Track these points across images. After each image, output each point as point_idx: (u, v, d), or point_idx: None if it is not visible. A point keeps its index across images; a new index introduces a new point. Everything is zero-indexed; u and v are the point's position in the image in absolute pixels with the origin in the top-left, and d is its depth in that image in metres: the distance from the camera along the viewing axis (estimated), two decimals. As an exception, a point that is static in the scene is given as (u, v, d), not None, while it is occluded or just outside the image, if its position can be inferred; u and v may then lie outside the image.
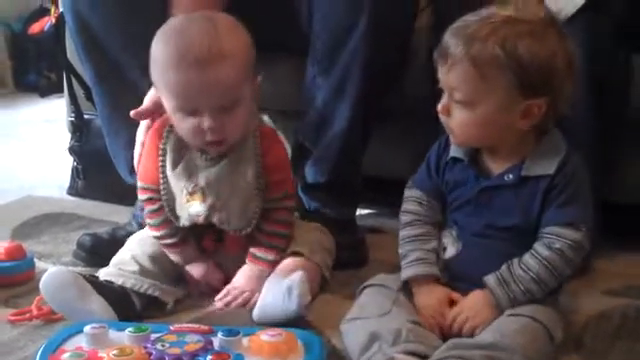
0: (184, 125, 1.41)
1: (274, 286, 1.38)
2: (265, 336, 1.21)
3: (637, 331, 1.37)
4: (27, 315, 1.41)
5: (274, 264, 1.47)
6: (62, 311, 1.38)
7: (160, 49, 1.40)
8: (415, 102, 1.78)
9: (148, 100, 1.55)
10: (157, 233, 1.50)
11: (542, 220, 1.27)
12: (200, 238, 1.52)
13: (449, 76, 1.25)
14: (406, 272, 1.33)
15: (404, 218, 1.38)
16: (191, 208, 1.46)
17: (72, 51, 1.96)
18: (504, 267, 1.25)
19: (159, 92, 1.45)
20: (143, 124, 1.58)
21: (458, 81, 1.24)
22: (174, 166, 1.46)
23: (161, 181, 1.47)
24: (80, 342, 1.23)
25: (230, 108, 1.39)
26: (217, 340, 1.21)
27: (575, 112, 1.44)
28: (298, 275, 1.36)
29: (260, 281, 1.44)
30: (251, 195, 1.45)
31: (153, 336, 1.21)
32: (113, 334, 1.24)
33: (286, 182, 1.50)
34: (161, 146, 1.47)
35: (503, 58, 1.20)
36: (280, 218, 1.49)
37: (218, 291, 1.48)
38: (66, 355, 1.15)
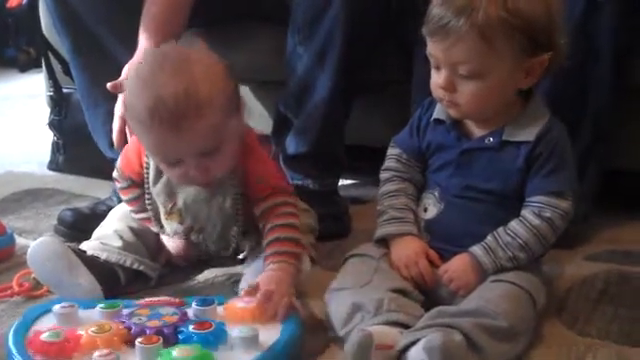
0: (170, 173, 1.34)
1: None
2: (240, 303, 1.21)
3: (619, 296, 1.37)
4: (8, 292, 1.40)
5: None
6: (48, 281, 1.36)
7: (131, 101, 1.29)
8: (397, 69, 1.77)
9: (126, 72, 1.53)
10: (132, 208, 1.47)
11: (528, 188, 1.26)
12: None
13: (452, 52, 1.21)
14: (380, 231, 1.33)
15: (383, 175, 1.38)
16: (169, 226, 1.43)
17: (48, 24, 1.93)
18: (489, 237, 1.25)
19: (138, 139, 1.37)
20: (122, 97, 1.56)
21: (465, 55, 1.20)
22: (155, 182, 1.41)
23: (146, 193, 1.43)
24: (50, 322, 1.20)
25: (214, 151, 1.29)
26: (192, 310, 1.21)
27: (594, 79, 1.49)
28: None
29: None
30: (229, 220, 1.39)
31: (125, 311, 1.20)
32: (82, 312, 1.23)
33: (270, 180, 1.38)
34: (145, 159, 1.41)
35: (510, 19, 1.18)
36: (279, 222, 1.34)
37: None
38: (45, 335, 1.12)
